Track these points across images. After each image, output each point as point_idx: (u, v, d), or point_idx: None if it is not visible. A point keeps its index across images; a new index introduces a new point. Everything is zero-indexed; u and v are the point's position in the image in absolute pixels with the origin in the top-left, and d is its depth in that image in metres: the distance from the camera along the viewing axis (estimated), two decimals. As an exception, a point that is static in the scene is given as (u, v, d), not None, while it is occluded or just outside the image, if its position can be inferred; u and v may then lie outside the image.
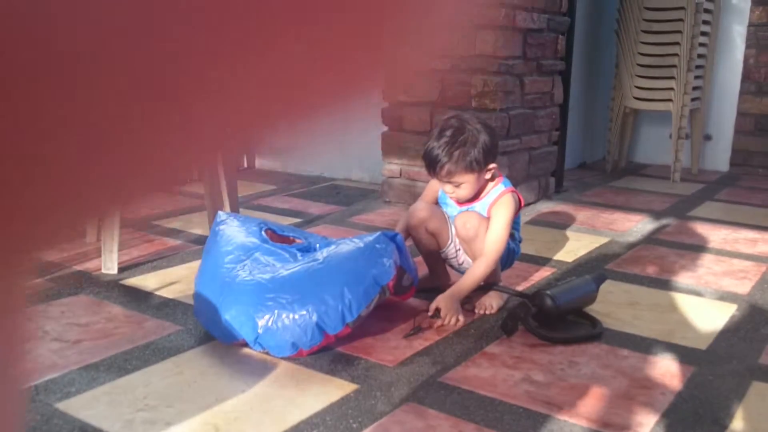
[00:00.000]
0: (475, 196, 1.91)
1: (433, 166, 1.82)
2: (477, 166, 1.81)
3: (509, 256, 1.98)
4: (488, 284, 1.91)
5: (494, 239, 1.84)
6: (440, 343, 1.68)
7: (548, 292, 1.75)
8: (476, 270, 1.85)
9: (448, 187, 1.86)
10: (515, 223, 2.00)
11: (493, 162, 1.86)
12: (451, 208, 1.97)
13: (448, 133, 1.81)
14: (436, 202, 2.01)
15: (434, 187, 1.97)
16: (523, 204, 1.99)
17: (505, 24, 2.80)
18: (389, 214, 2.97)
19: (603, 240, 2.63)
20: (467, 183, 1.83)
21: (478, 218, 1.86)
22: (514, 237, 2.00)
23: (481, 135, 1.81)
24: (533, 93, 3.10)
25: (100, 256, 2.23)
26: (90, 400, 1.38)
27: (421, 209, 1.94)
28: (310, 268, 1.63)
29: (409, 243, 1.94)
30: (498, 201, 1.88)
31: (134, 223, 2.77)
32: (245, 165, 4.17)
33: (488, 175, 1.88)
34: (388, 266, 1.63)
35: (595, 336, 1.71)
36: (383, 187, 3.24)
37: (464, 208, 1.93)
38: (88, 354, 1.58)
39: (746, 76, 4.06)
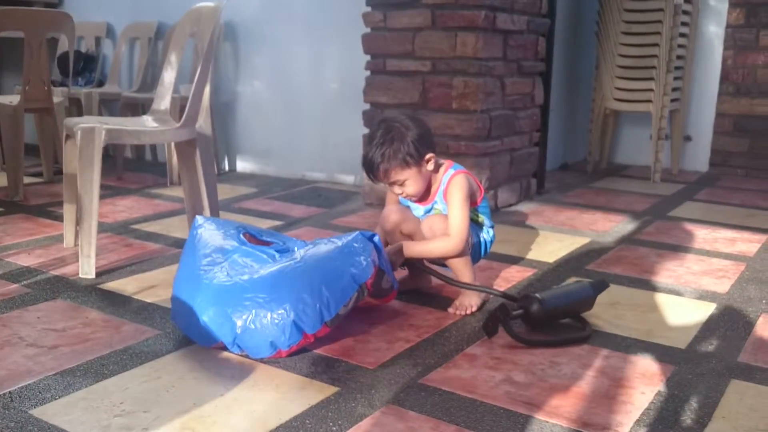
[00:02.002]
0: (429, 192, 1.92)
1: (370, 170, 1.86)
2: (411, 160, 1.83)
3: (476, 249, 1.98)
4: (468, 285, 1.90)
5: (453, 222, 1.85)
6: (420, 344, 1.68)
7: (537, 295, 1.75)
8: (437, 241, 1.86)
9: (396, 188, 1.90)
10: (482, 209, 2.00)
11: (429, 152, 1.87)
12: (415, 210, 1.98)
13: (378, 135, 1.85)
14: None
15: (390, 191, 1.98)
16: (481, 187, 2.00)
17: (486, 26, 2.80)
18: (371, 216, 2.97)
19: (584, 240, 2.63)
20: (410, 179, 1.86)
21: (443, 220, 1.88)
22: (483, 225, 2.00)
23: (409, 130, 1.84)
24: (514, 94, 3.10)
25: (77, 260, 2.20)
26: (66, 406, 1.35)
27: (393, 212, 1.94)
28: (287, 267, 1.61)
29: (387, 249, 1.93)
30: (449, 186, 1.89)
31: (113, 228, 2.74)
32: (226, 168, 4.14)
33: (430, 166, 1.89)
34: (365, 265, 1.62)
35: (576, 340, 1.70)
36: (365, 190, 3.23)
37: (428, 206, 1.95)
38: (64, 359, 1.56)
39: (724, 77, 4.10)
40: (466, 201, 1.87)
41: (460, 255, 1.87)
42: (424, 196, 1.95)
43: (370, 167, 1.86)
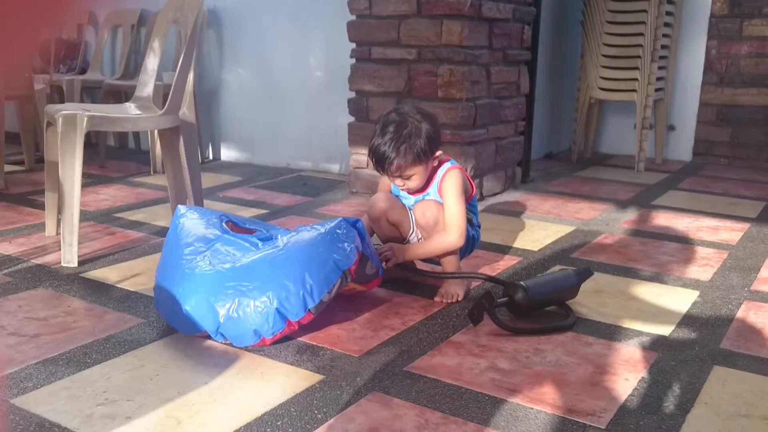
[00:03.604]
0: (426, 184, 1.92)
1: (381, 163, 1.83)
2: (424, 157, 1.82)
3: (469, 243, 1.98)
4: (453, 273, 1.91)
5: (450, 215, 1.85)
6: (406, 332, 1.68)
7: (522, 283, 1.75)
8: (437, 239, 1.86)
9: (398, 181, 1.88)
10: (472, 207, 2.00)
11: (437, 149, 1.87)
12: (406, 199, 1.97)
13: (391, 128, 1.81)
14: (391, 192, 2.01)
15: (386, 180, 1.97)
16: (473, 185, 2.00)
17: (471, 14, 2.79)
18: (356, 205, 2.96)
19: (569, 229, 2.64)
20: (417, 174, 1.85)
21: (436, 206, 1.87)
22: (472, 223, 2.01)
23: (423, 125, 1.82)
24: (499, 83, 3.10)
25: (59, 249, 2.18)
26: (48, 395, 1.34)
27: (381, 200, 1.94)
28: (270, 255, 1.60)
29: (374, 239, 1.93)
30: (444, 179, 1.89)
31: (96, 216, 2.72)
32: (210, 157, 4.11)
33: (435, 163, 1.89)
34: (349, 251, 1.61)
35: (561, 328, 1.71)
36: (350, 178, 3.22)
37: (419, 197, 1.94)
38: (46, 348, 1.54)
39: (708, 67, 4.12)
40: (461, 194, 1.87)
41: (458, 249, 1.88)
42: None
43: (382, 160, 1.82)
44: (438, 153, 1.87)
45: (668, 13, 3.81)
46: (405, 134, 1.81)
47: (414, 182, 1.87)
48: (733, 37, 4.03)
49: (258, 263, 1.59)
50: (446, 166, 1.92)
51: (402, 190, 1.94)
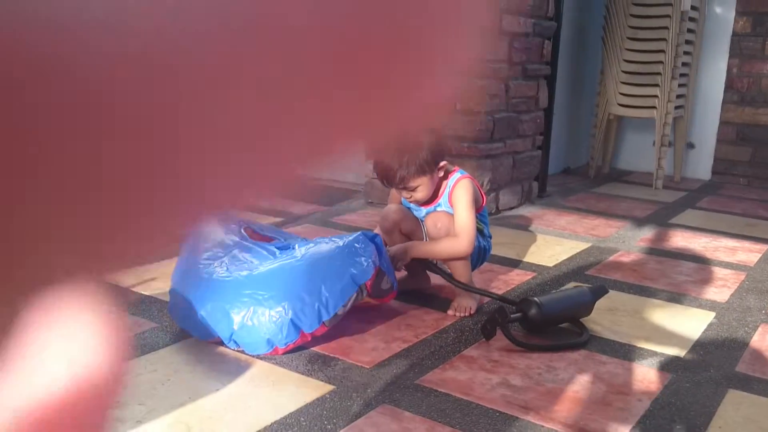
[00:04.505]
0: (435, 196, 1.93)
1: (385, 176, 1.84)
2: (428, 168, 1.83)
3: (480, 254, 1.98)
4: (464, 286, 1.90)
5: (461, 223, 1.86)
6: (418, 345, 1.67)
7: (536, 299, 1.74)
8: (445, 242, 1.87)
9: (405, 193, 1.89)
10: (482, 217, 2.00)
11: (442, 160, 1.87)
12: (417, 210, 1.98)
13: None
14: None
15: (396, 192, 1.98)
16: (484, 195, 2.00)
17: (491, 27, 2.79)
18: (372, 215, 2.96)
19: (584, 245, 2.63)
20: (422, 185, 1.85)
21: (447, 217, 1.88)
22: (483, 233, 2.00)
23: (425, 137, 1.83)
24: (518, 97, 3.10)
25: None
26: (60, 397, 1.35)
27: (393, 212, 1.95)
28: (287, 264, 1.61)
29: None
30: (454, 188, 1.89)
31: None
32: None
33: (441, 173, 1.89)
34: (366, 266, 1.61)
35: (575, 345, 1.70)
36: (366, 188, 3.22)
37: (430, 208, 1.94)
38: (60, 350, 1.55)
39: (729, 86, 4.09)
40: (472, 203, 1.87)
41: (465, 256, 1.88)
42: (428, 199, 1.95)
43: (385, 173, 1.84)
44: (443, 164, 1.87)
45: (690, 31, 3.79)
46: (408, 146, 1.82)
47: (420, 194, 1.88)
48: (756, 56, 4.01)
49: (275, 272, 1.59)
50: (456, 176, 1.92)
51: (410, 202, 1.95)
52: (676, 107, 3.83)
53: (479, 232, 2.00)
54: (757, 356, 1.69)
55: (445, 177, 1.93)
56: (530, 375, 1.53)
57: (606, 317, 1.89)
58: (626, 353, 1.67)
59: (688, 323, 1.89)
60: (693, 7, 3.77)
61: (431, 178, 1.87)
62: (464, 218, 1.86)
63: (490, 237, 2.06)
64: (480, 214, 1.99)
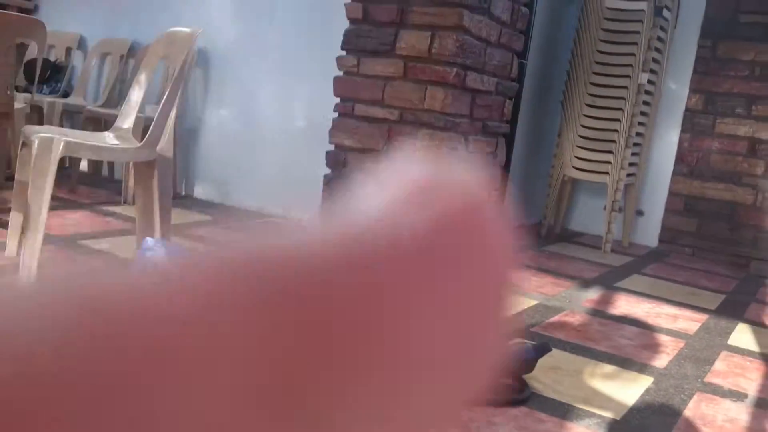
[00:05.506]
0: None
1: None
2: None
3: None
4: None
5: None
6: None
7: None
8: None
9: None
10: None
11: None
12: None
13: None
14: None
15: None
16: None
17: (456, 83, 2.86)
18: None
19: (531, 303, 2.66)
20: None
21: None
22: None
23: None
24: (476, 152, 3.15)
25: (17, 271, 2.14)
26: None
27: None
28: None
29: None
30: None
31: (59, 241, 2.68)
32: (183, 193, 4.10)
33: None
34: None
35: (515, 401, 1.70)
36: (321, 230, 3.22)
37: None
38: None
39: (680, 158, 4.24)
40: None
41: None
42: None
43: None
44: None
45: (645, 103, 3.93)
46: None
47: None
48: (706, 132, 4.17)
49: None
50: None
51: None
52: (628, 174, 3.94)
53: None
54: (691, 424, 1.72)
55: None
56: (470, 428, 1.53)
57: (548, 375, 1.91)
58: (565, 413, 1.69)
59: (627, 387, 1.92)
60: (650, 81, 3.92)
61: None
62: None
63: None
64: None
